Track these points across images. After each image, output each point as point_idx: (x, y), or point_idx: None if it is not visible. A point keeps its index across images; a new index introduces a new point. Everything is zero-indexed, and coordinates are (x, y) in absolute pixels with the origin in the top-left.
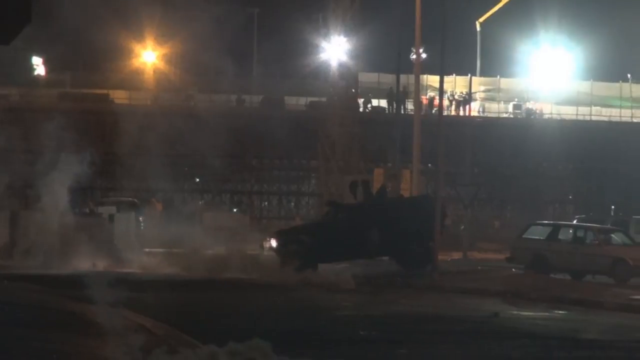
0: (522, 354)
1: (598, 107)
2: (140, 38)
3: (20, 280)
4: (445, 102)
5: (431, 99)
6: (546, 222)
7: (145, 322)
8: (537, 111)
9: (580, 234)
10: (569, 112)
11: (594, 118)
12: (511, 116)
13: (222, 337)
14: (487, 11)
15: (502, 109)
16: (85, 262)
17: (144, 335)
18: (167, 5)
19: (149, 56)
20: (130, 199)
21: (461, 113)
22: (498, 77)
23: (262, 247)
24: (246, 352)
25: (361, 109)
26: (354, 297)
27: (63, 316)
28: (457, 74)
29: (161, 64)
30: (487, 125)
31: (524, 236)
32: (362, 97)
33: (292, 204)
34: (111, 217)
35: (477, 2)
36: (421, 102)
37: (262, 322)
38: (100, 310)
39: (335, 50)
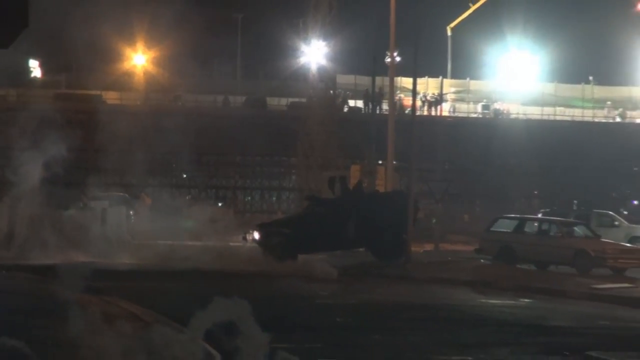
0: (491, 340)
1: (562, 108)
2: (131, 42)
3: (17, 270)
4: (418, 103)
5: (399, 101)
6: (513, 215)
7: (135, 310)
8: (505, 111)
9: (544, 227)
10: (534, 112)
11: (557, 118)
12: (480, 116)
13: None
14: (458, 17)
15: (471, 109)
16: (79, 254)
17: (134, 322)
18: (156, 11)
19: (139, 59)
20: (121, 193)
21: (433, 113)
22: (468, 79)
23: (245, 239)
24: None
25: (340, 109)
26: (332, 286)
27: (59, 304)
28: (429, 76)
29: (150, 67)
30: (457, 125)
31: (491, 229)
32: (339, 98)
33: (274, 198)
34: (103, 211)
35: (448, 8)
36: (395, 103)
37: None
38: (93, 299)
39: (314, 53)
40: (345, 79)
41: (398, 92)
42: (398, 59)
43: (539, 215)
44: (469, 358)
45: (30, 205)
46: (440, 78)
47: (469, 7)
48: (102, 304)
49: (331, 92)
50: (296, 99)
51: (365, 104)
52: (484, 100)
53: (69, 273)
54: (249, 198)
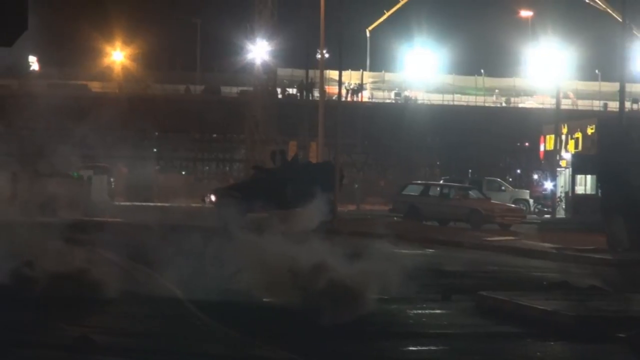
0: (401, 281)
1: (459, 95)
2: (111, 41)
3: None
4: (343, 91)
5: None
6: (419, 181)
7: (114, 258)
8: (413, 98)
9: (445, 191)
10: (436, 99)
11: (455, 103)
12: (393, 101)
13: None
14: (375, 21)
15: (386, 96)
16: (70, 213)
17: (114, 268)
18: (132, 15)
19: (117, 55)
20: (103, 164)
21: (355, 99)
22: (383, 71)
23: (203, 201)
24: None
25: (279, 96)
26: (277, 238)
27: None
28: (352, 69)
29: (127, 62)
30: (374, 109)
31: (402, 192)
32: (279, 87)
33: (227, 168)
34: (89, 179)
35: (368, 14)
36: (324, 91)
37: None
38: (81, 250)
39: (259, 51)
40: (284, 72)
41: (329, 82)
42: (327, 55)
43: (441, 182)
44: (385, 297)
45: (30, 173)
46: (361, 71)
47: (384, 14)
48: (86, 252)
49: (272, 82)
50: (244, 88)
51: (300, 91)
52: (396, 89)
53: (62, 229)
54: (207, 167)
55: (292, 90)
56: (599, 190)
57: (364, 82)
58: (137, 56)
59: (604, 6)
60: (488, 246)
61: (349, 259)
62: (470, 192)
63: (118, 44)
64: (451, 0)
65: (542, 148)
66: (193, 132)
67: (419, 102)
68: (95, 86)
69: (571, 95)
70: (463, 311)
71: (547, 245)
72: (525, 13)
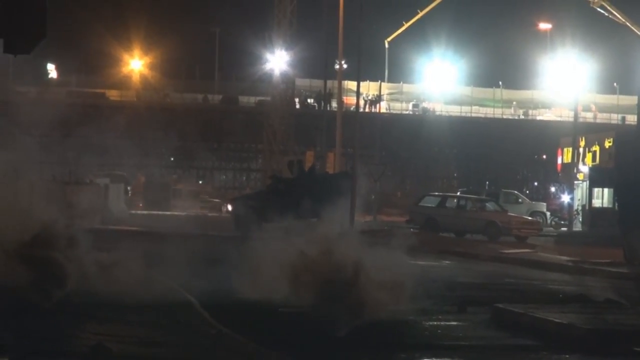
0: (418, 293)
1: (476, 107)
2: (129, 50)
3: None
4: (361, 102)
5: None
6: (436, 193)
7: (129, 266)
8: (431, 109)
9: (462, 202)
10: (454, 110)
11: (473, 115)
12: (411, 113)
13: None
14: (394, 32)
15: (404, 107)
16: (86, 221)
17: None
18: (150, 24)
19: (135, 64)
20: (120, 173)
21: (373, 110)
22: (401, 83)
23: (220, 210)
24: None
25: (297, 106)
26: (292, 247)
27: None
28: (370, 80)
29: (145, 70)
30: (392, 120)
31: (419, 204)
32: (297, 97)
33: (244, 177)
34: (106, 187)
35: (386, 25)
36: (342, 102)
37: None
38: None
39: (277, 61)
40: (302, 82)
41: (347, 92)
42: (345, 65)
43: (458, 193)
44: (401, 308)
45: (46, 181)
46: (379, 82)
47: (402, 25)
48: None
49: (290, 92)
50: (262, 98)
51: (318, 102)
52: (414, 100)
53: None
54: (224, 177)
55: (310, 101)
56: (616, 204)
57: (382, 93)
58: (156, 65)
59: (622, 19)
60: (504, 258)
61: (364, 269)
62: (487, 204)
63: (136, 52)
64: (470, 13)
65: (559, 161)
66: (211, 142)
67: (437, 113)
68: (113, 94)
69: (593, 107)
70: (479, 323)
71: (563, 258)
72: (544, 25)
